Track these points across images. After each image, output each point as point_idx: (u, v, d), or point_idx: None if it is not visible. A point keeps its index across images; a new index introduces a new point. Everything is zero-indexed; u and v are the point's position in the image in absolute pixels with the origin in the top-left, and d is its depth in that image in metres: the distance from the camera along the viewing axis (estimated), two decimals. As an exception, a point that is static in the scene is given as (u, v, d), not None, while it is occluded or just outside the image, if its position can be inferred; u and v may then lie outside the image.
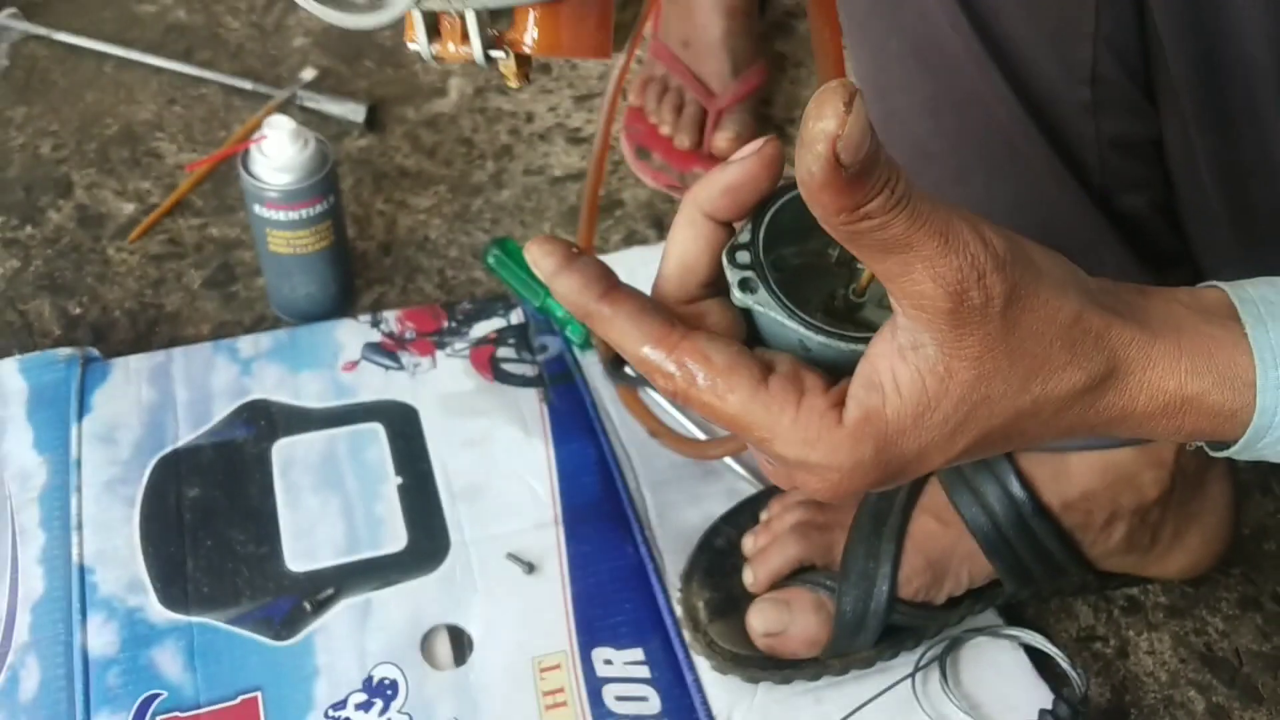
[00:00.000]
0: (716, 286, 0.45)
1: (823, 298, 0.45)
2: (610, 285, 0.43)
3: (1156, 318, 0.43)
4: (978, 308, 0.39)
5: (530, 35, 0.51)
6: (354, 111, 1.20)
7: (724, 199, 0.44)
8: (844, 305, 0.45)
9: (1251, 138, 0.61)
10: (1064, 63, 0.64)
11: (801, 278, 0.45)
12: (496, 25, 0.51)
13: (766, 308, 0.43)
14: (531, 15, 0.51)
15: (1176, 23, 0.60)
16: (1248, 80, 0.59)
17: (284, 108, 1.21)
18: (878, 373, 0.41)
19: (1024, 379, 0.41)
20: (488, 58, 0.51)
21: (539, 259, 0.43)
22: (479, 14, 0.50)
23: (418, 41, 0.52)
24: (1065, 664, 0.80)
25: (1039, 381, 0.41)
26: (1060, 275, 0.42)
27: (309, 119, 1.21)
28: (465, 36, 0.51)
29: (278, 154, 0.92)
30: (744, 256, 0.43)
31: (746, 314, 0.45)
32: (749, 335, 0.46)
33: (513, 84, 0.53)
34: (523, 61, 0.52)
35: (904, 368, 0.41)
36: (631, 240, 1.11)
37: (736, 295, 0.43)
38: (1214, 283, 0.46)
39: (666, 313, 0.43)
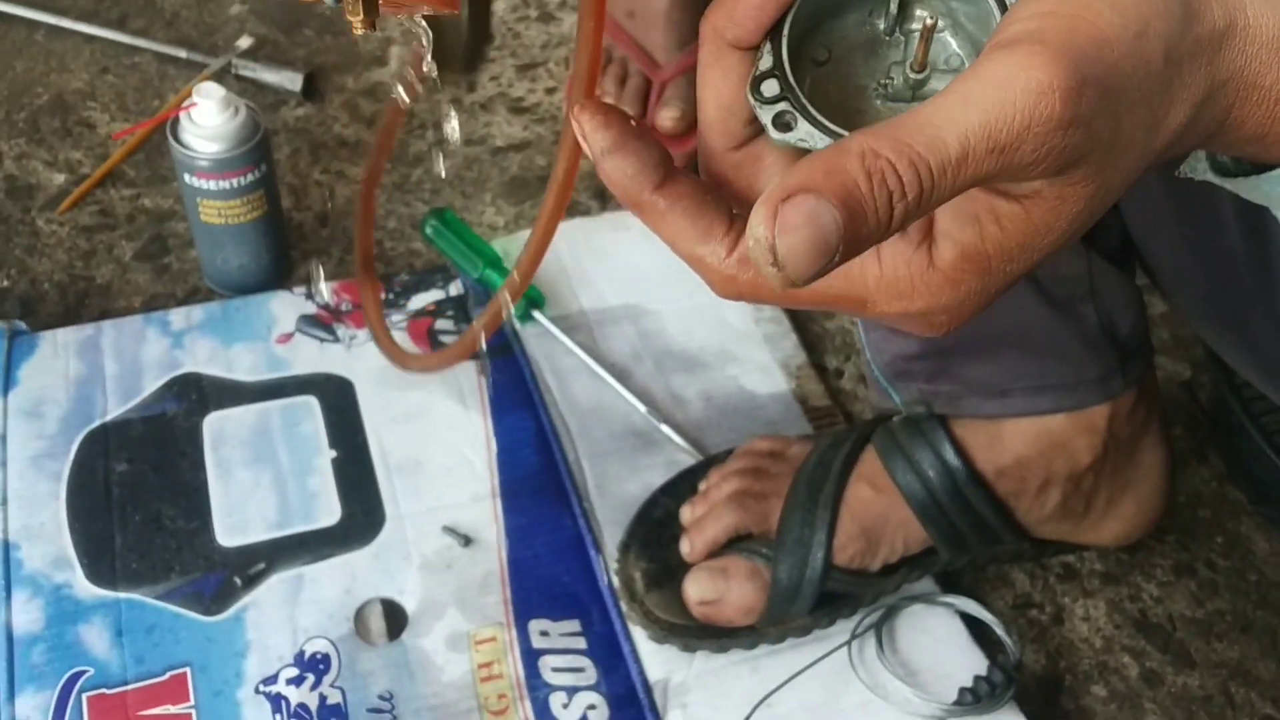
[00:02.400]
0: None
1: (879, 83, 0.39)
2: (667, 174, 0.38)
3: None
4: (1079, 146, 0.33)
5: None
6: (291, 80, 1.18)
7: (746, 21, 0.38)
8: (906, 85, 0.39)
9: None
10: None
11: (848, 68, 0.39)
12: None
13: (811, 141, 0.37)
14: None
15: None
16: None
17: (219, 76, 1.19)
18: (972, 205, 0.36)
19: (1134, 155, 0.36)
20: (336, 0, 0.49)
21: (589, 131, 0.38)
22: None
23: None
24: (1000, 631, 0.80)
25: (1148, 144, 0.36)
26: (1138, 29, 0.35)
27: (245, 88, 1.19)
28: None
29: (207, 122, 0.90)
30: (771, 87, 0.38)
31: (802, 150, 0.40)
32: None
33: (358, 30, 0.51)
34: (371, 6, 0.50)
35: (1004, 203, 0.36)
36: (574, 211, 1.09)
37: (774, 136, 0.38)
38: None
39: (725, 203, 0.39)
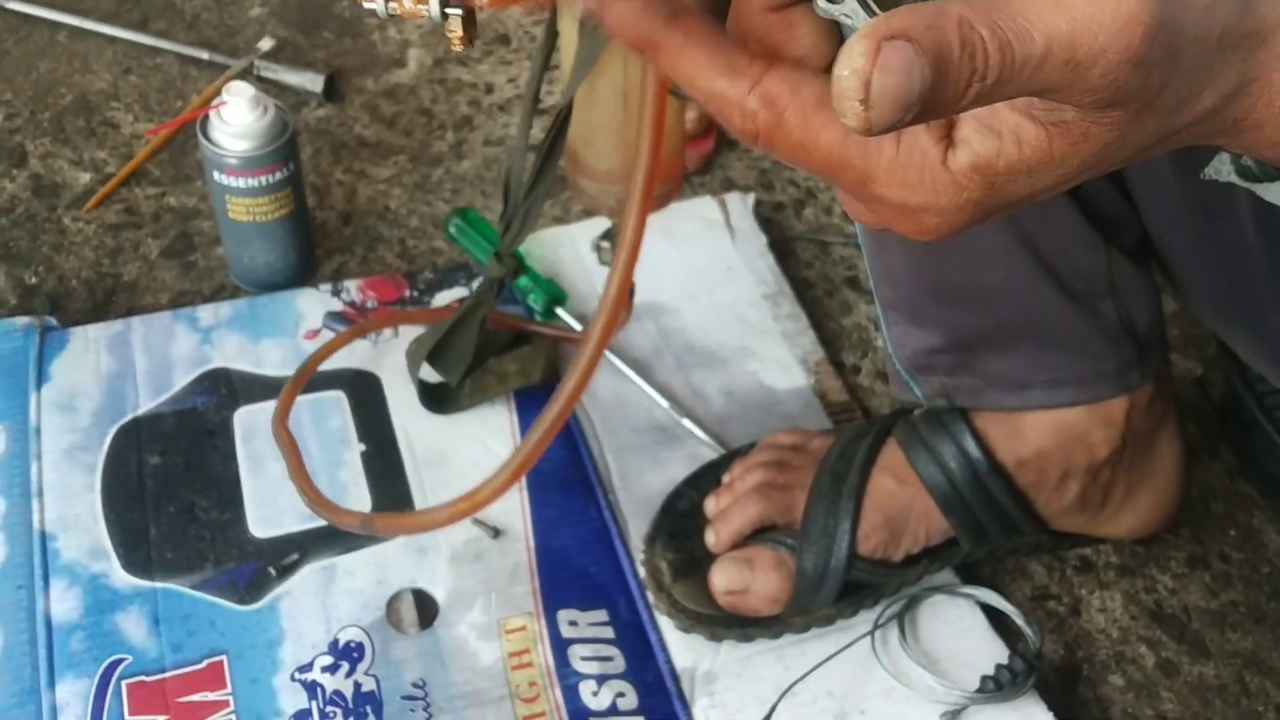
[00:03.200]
0: None
1: None
2: (678, 6, 0.37)
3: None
4: (1135, 89, 0.34)
5: None
6: (312, 81, 1.20)
7: None
8: None
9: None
10: None
11: None
12: None
13: (855, 19, 0.36)
14: None
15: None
16: None
17: (241, 77, 1.20)
18: (998, 119, 0.36)
19: (1160, 121, 0.36)
20: (444, 14, 0.51)
21: None
22: None
23: None
24: (1020, 621, 0.82)
25: (1173, 118, 0.36)
26: None
27: (267, 89, 1.20)
28: None
29: (237, 120, 0.92)
30: None
31: (837, 26, 0.40)
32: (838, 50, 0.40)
33: (457, 47, 0.53)
34: (470, 22, 0.52)
35: (1030, 125, 0.35)
36: (592, 211, 1.11)
37: (820, 5, 0.37)
38: None
39: (742, 42, 0.38)
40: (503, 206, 0.83)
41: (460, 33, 0.51)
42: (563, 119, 0.77)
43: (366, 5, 0.52)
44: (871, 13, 0.37)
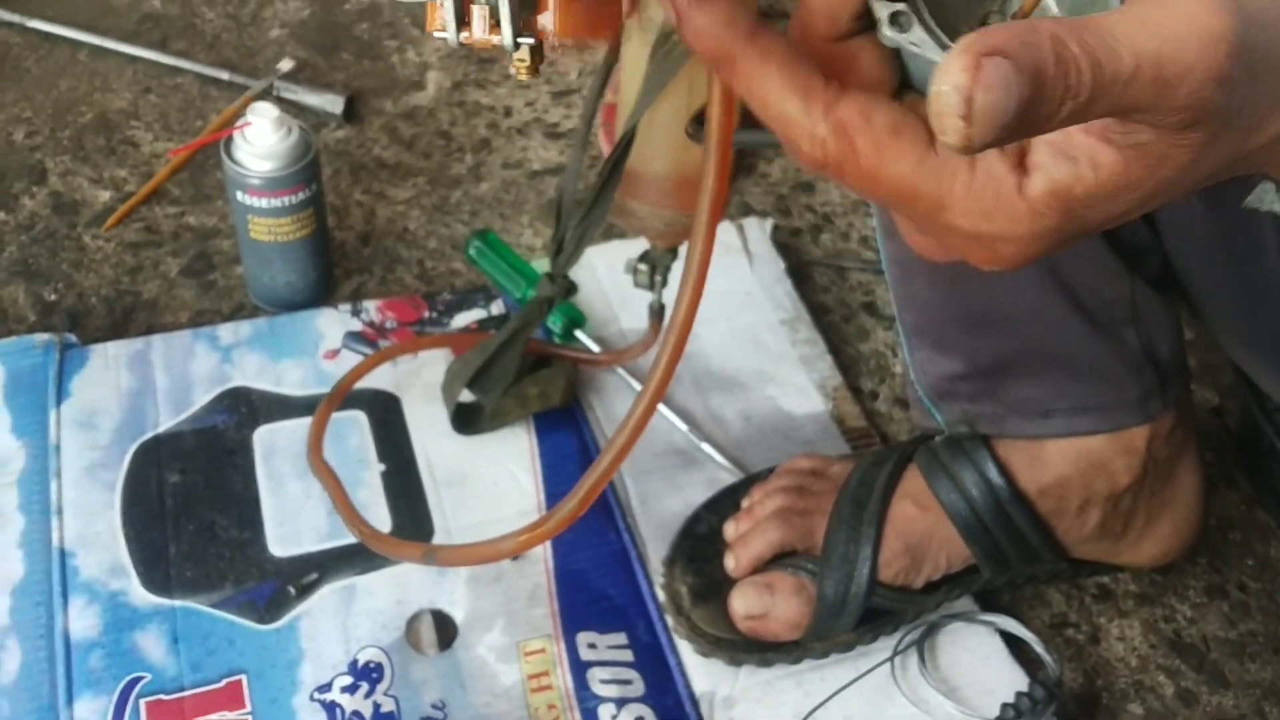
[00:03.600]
0: (870, 18, 0.38)
1: (975, 27, 0.38)
2: (758, 23, 0.37)
3: None
4: (1217, 108, 0.33)
5: (554, 19, 0.52)
6: (332, 103, 1.20)
7: None
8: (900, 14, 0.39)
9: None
10: None
11: (948, 4, 0.38)
12: (523, 11, 0.52)
13: (923, 48, 0.36)
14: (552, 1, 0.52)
15: None
16: None
17: (261, 98, 1.21)
18: (1072, 144, 0.35)
19: (1234, 144, 0.35)
20: (516, 44, 0.52)
21: None
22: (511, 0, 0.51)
23: (445, 28, 0.52)
24: (1040, 648, 0.81)
25: (1246, 141, 0.36)
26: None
27: (286, 110, 1.20)
28: (496, 24, 0.51)
29: (261, 141, 0.92)
30: None
31: (898, 55, 0.39)
32: (901, 80, 0.40)
33: (524, 76, 0.53)
34: (539, 53, 0.53)
35: (1106, 149, 0.35)
36: (610, 234, 1.11)
37: (886, 34, 0.37)
38: None
39: (815, 64, 0.37)
40: (554, 228, 0.84)
41: (529, 62, 0.52)
42: (626, 143, 0.77)
43: (437, 34, 0.52)
44: (940, 40, 0.36)
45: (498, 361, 0.89)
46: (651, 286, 0.95)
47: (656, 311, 0.92)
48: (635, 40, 0.97)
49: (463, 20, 0.52)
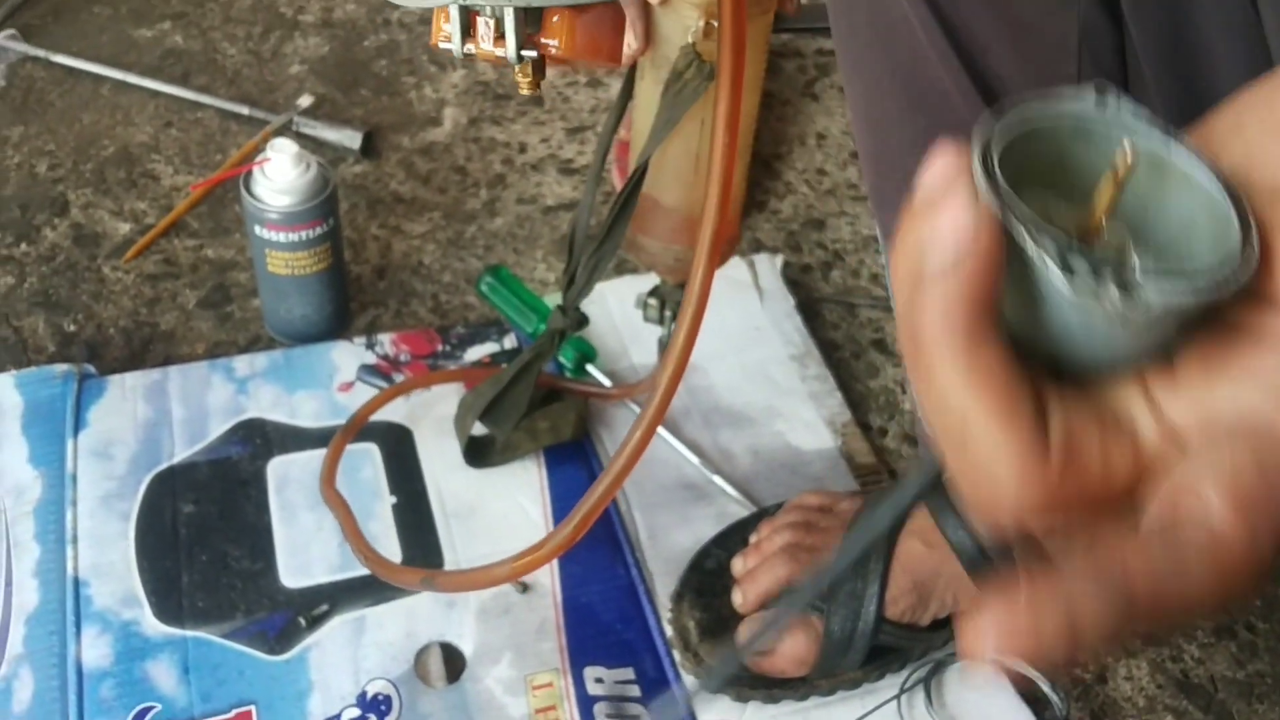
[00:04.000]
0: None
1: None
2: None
3: None
4: None
5: (557, 37, 0.53)
6: (350, 138, 1.22)
7: (971, 294, 0.28)
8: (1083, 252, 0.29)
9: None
10: None
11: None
12: (527, 27, 0.53)
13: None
14: (557, 19, 0.53)
15: (1158, 67, 0.63)
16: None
17: (280, 133, 1.23)
18: None
19: None
20: (520, 57, 0.53)
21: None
22: (516, 13, 0.52)
23: (450, 39, 0.53)
24: (1046, 688, 0.81)
25: None
26: None
27: (305, 145, 1.22)
28: (500, 37, 0.53)
29: (280, 176, 0.94)
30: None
31: None
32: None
33: (526, 91, 0.55)
34: (541, 69, 0.54)
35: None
36: (622, 270, 1.13)
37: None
38: None
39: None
40: (566, 260, 0.85)
41: (531, 77, 0.53)
42: (638, 178, 0.79)
43: (443, 45, 0.53)
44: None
45: (510, 394, 0.90)
46: (661, 321, 0.96)
47: (666, 346, 0.93)
48: (649, 78, 0.99)
49: (468, 32, 0.53)
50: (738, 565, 0.84)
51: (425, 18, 1.39)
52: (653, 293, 0.96)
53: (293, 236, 0.95)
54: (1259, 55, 0.58)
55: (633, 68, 0.79)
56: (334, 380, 0.98)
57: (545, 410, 0.94)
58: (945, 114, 0.68)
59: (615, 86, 1.36)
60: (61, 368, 0.97)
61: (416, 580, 0.77)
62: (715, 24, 0.69)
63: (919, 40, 0.67)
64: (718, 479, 0.93)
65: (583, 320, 0.92)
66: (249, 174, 0.95)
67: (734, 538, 0.87)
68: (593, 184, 0.85)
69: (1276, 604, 0.90)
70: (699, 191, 1.05)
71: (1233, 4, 0.58)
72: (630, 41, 0.71)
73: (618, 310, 1.06)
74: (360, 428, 0.92)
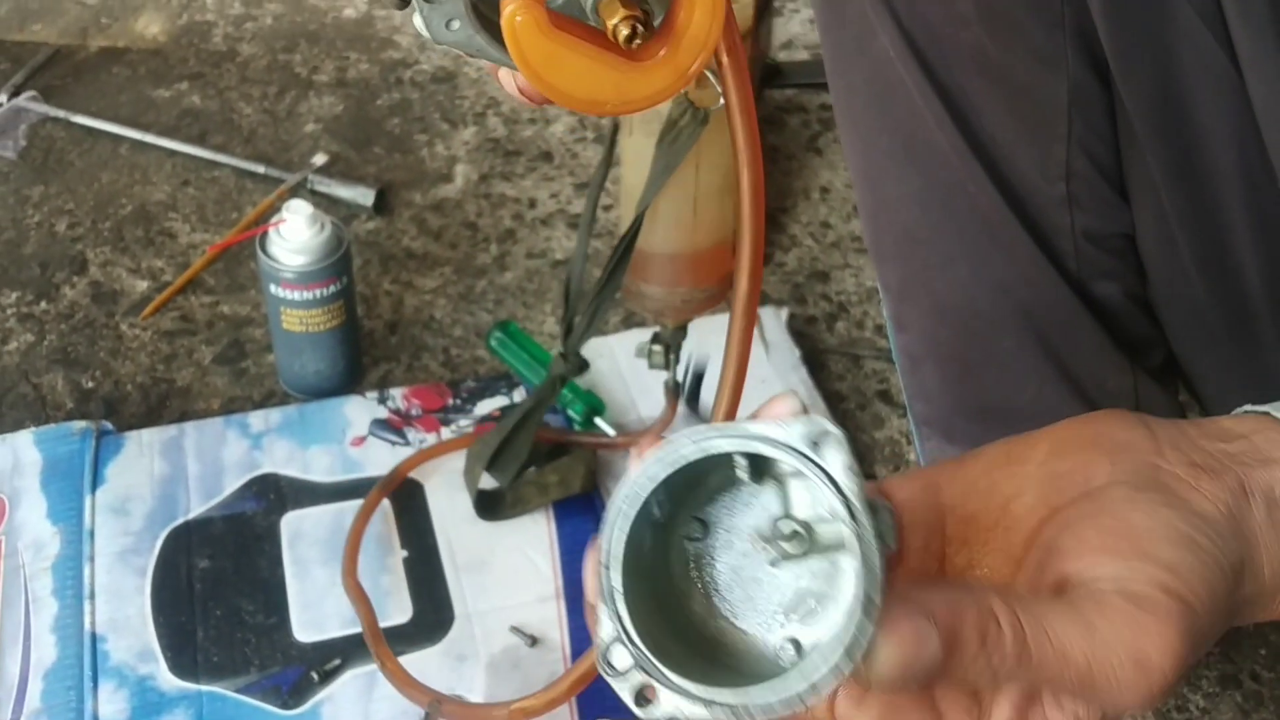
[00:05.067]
0: None
1: (767, 540, 0.36)
2: None
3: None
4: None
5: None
6: (363, 195, 1.24)
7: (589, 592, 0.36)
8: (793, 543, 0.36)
9: (1221, 234, 0.65)
10: (1041, 160, 0.68)
11: (732, 531, 0.37)
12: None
13: (682, 715, 0.34)
14: None
15: (1148, 128, 0.64)
16: (1213, 181, 0.63)
17: (295, 191, 1.25)
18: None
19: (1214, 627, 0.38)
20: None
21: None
22: None
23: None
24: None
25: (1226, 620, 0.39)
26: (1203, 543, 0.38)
27: (319, 202, 1.25)
28: None
29: (295, 236, 0.96)
30: (620, 657, 0.34)
31: None
32: None
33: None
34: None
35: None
36: (630, 322, 1.14)
37: (640, 716, 0.34)
38: (1258, 409, 0.44)
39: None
40: (563, 309, 0.87)
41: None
42: (636, 227, 0.81)
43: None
44: (692, 696, 0.34)
45: (513, 442, 0.92)
46: (666, 366, 0.97)
47: (672, 390, 0.94)
48: (638, 133, 1.01)
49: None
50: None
51: (438, 76, 1.42)
52: (654, 339, 0.97)
53: (307, 295, 0.97)
54: (1244, 113, 0.60)
55: (614, 124, 0.81)
56: (347, 435, 1.00)
57: (555, 465, 0.95)
58: (940, 171, 0.70)
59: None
60: (79, 424, 0.98)
61: (425, 702, 0.80)
62: (707, 72, 0.72)
63: (915, 101, 0.69)
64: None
65: (583, 365, 0.93)
66: (265, 234, 0.98)
67: (741, 590, 0.88)
68: (584, 232, 0.87)
69: (1282, 653, 0.90)
70: (695, 236, 1.07)
71: (1217, 65, 0.59)
72: None
73: (625, 363, 1.07)
74: (372, 512, 0.93)
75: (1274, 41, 0.56)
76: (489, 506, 0.94)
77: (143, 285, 1.17)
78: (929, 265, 0.74)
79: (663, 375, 1.01)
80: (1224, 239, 0.65)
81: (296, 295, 0.97)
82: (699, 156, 0.87)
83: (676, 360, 0.95)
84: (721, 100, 0.50)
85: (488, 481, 0.95)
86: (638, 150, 0.85)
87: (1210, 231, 0.67)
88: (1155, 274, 0.72)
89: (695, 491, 0.37)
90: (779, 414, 0.35)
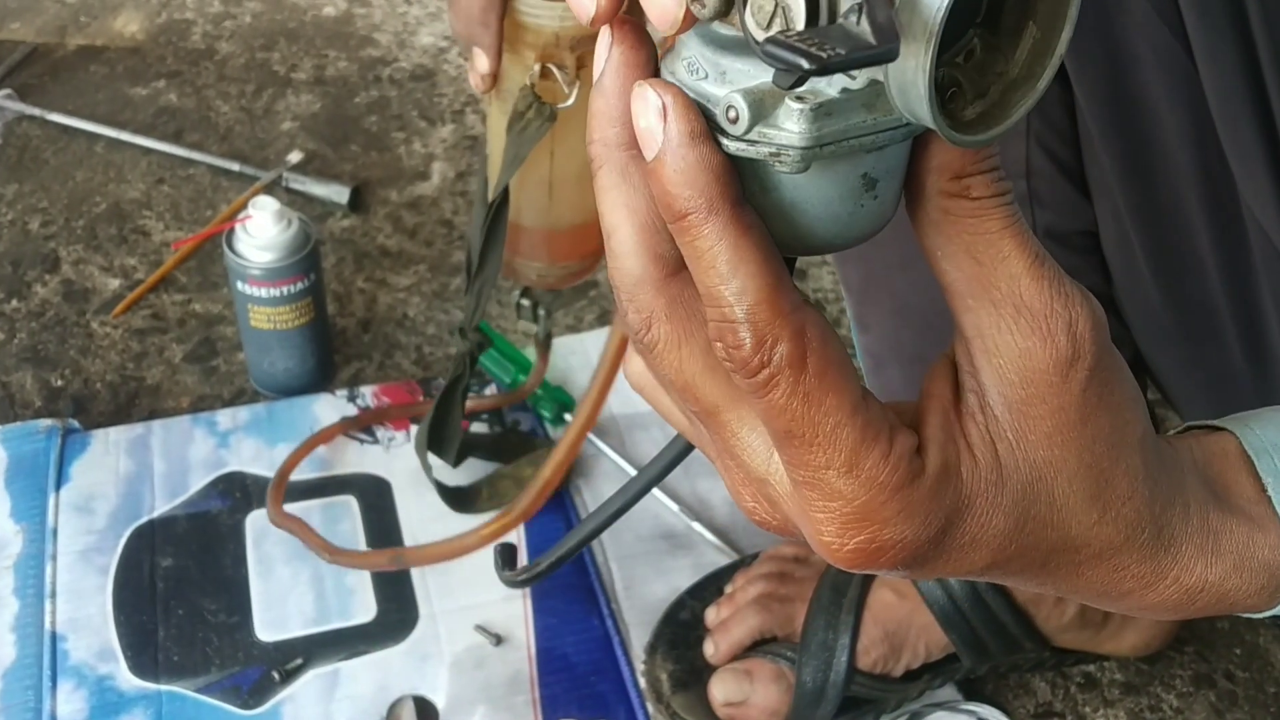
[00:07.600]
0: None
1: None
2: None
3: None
4: (1062, 361, 0.32)
5: None
6: (338, 193, 1.24)
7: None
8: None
9: (1178, 232, 0.65)
10: (1001, 157, 0.68)
11: None
12: None
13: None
14: None
15: (1104, 124, 0.64)
16: (1170, 178, 0.62)
17: (271, 189, 1.24)
18: (949, 423, 0.34)
19: (1088, 494, 0.34)
20: None
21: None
22: None
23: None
24: (1022, 738, 0.81)
25: (1098, 507, 0.34)
26: (1135, 392, 0.35)
27: (294, 200, 1.24)
28: None
29: (261, 233, 0.95)
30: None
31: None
32: None
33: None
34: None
35: (972, 425, 0.33)
36: (605, 320, 1.13)
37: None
38: (1221, 424, 0.40)
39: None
40: (466, 289, 0.87)
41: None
42: (496, 210, 0.81)
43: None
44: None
45: (445, 422, 0.91)
46: (535, 320, 0.97)
47: (542, 342, 0.95)
48: (495, 111, 1.00)
49: None
50: (711, 616, 0.84)
51: (416, 74, 1.42)
52: (524, 293, 0.97)
53: (274, 291, 0.96)
54: (1199, 108, 0.59)
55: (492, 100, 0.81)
56: (315, 433, 0.99)
57: (531, 457, 0.94)
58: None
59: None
60: (45, 423, 0.98)
61: (385, 560, 0.78)
62: (553, 68, 0.72)
63: None
64: (697, 525, 0.93)
65: (484, 341, 0.93)
66: (231, 231, 0.97)
67: (709, 588, 0.87)
68: (478, 215, 0.86)
69: (1256, 653, 0.90)
70: (552, 214, 1.07)
71: (1172, 60, 0.59)
72: (473, 78, 0.74)
73: (597, 360, 1.06)
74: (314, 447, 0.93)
75: (1229, 33, 0.55)
76: (466, 501, 0.93)
77: (115, 283, 1.16)
78: (889, 265, 0.73)
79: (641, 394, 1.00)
80: (1182, 238, 0.65)
81: (264, 292, 0.96)
82: (553, 144, 0.87)
83: (547, 315, 0.95)
84: (572, 99, 0.50)
85: (460, 478, 0.94)
86: (497, 130, 0.84)
87: (1167, 231, 0.66)
88: (1116, 273, 0.71)
89: None
90: None
